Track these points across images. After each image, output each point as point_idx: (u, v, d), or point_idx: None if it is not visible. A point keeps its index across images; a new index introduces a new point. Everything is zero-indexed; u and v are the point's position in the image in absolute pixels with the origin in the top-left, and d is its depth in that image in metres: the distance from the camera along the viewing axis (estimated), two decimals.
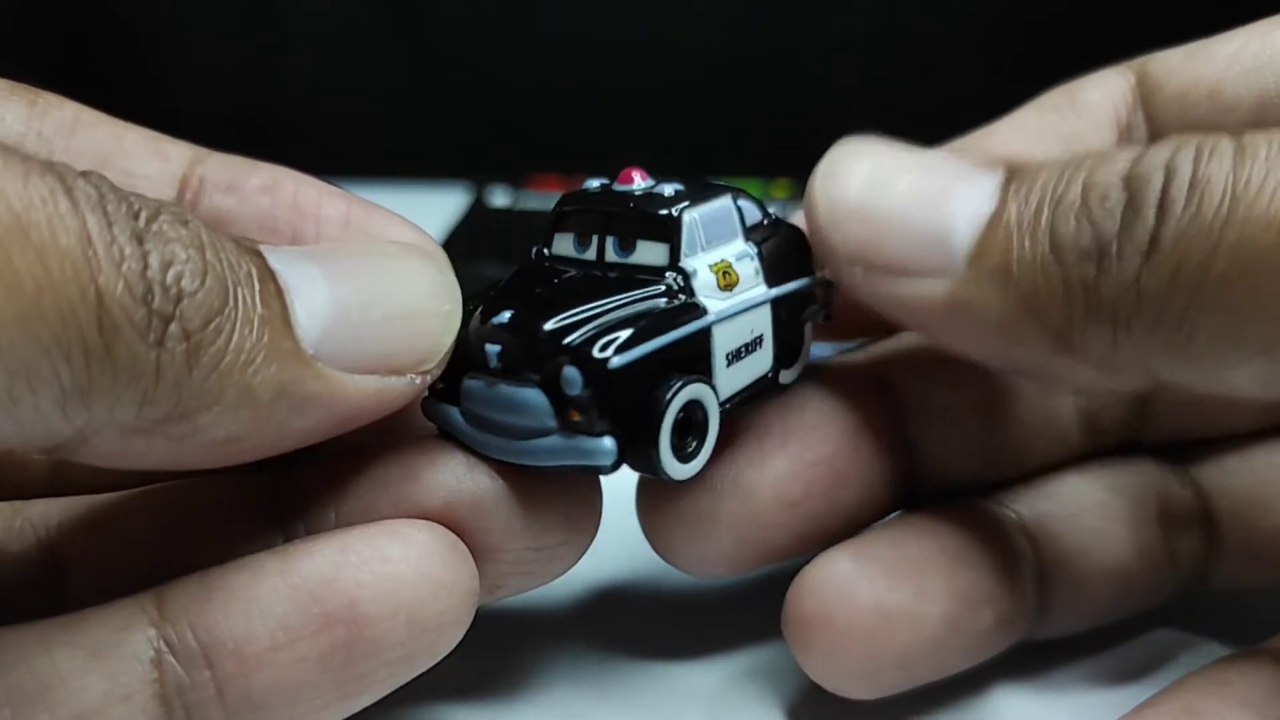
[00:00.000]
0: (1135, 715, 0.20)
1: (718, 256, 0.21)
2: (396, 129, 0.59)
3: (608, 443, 0.19)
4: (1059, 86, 0.26)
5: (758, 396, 0.22)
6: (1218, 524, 0.25)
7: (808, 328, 0.23)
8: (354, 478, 0.20)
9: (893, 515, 0.24)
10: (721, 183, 0.23)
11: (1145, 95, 0.25)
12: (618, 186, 0.22)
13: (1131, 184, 0.18)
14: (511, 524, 0.20)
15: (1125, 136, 0.25)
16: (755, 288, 0.22)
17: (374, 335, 0.19)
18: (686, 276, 0.21)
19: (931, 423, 0.24)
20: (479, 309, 0.20)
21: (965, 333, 0.20)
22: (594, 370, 0.19)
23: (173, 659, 0.18)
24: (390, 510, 0.20)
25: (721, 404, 0.21)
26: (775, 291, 0.22)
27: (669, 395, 0.19)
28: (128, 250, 0.16)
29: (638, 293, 0.20)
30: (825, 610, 0.22)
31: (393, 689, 0.19)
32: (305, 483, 0.21)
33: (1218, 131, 0.18)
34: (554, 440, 0.19)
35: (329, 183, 0.22)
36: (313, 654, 0.18)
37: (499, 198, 0.50)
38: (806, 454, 0.23)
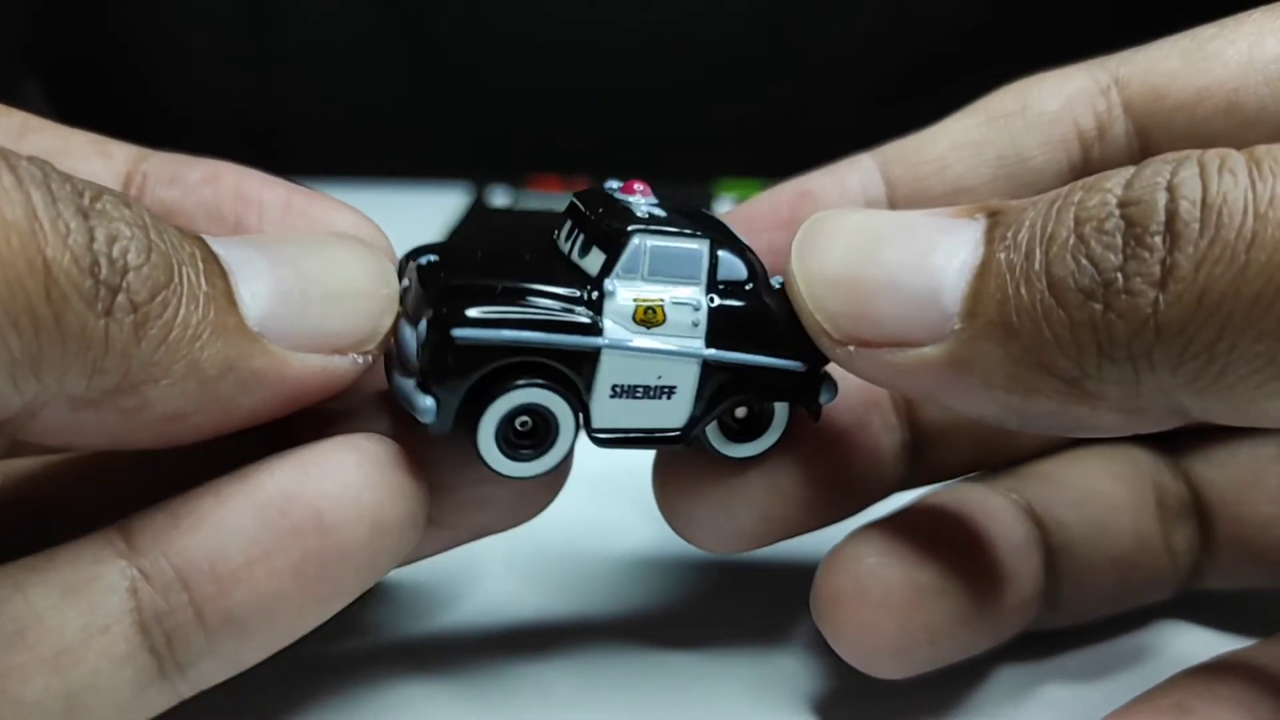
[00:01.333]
0: (1128, 709, 0.20)
1: (654, 293, 0.21)
2: (397, 129, 0.59)
3: (429, 401, 0.20)
4: (1014, 84, 0.24)
5: (662, 447, 0.22)
6: (1210, 515, 0.25)
7: (781, 408, 0.22)
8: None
9: (909, 498, 0.25)
10: (731, 232, 0.22)
11: (1131, 103, 0.23)
12: (619, 194, 0.22)
13: (1129, 211, 0.16)
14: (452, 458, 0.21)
15: (1090, 152, 0.23)
16: (684, 339, 0.21)
17: (316, 315, 0.19)
18: (601, 294, 0.20)
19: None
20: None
21: (970, 394, 0.18)
22: (438, 329, 0.19)
23: (148, 586, 0.18)
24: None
25: (595, 431, 0.21)
26: (712, 353, 0.21)
27: (499, 391, 0.20)
28: (73, 224, 0.16)
29: (559, 290, 0.20)
30: (858, 586, 0.22)
31: (360, 592, 0.20)
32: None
33: (1215, 148, 0.17)
34: (408, 382, 0.20)
35: (331, 183, 0.23)
36: (286, 566, 0.19)
37: (499, 198, 0.50)
38: (825, 429, 0.23)
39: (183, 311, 0.17)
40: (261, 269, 0.19)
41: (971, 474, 0.25)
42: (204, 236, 0.19)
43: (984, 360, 0.18)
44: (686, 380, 0.21)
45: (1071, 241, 0.17)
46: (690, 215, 0.21)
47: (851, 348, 0.19)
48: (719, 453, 0.22)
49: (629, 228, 0.20)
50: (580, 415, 0.21)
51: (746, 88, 0.58)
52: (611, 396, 0.20)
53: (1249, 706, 0.19)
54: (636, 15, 0.58)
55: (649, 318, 0.20)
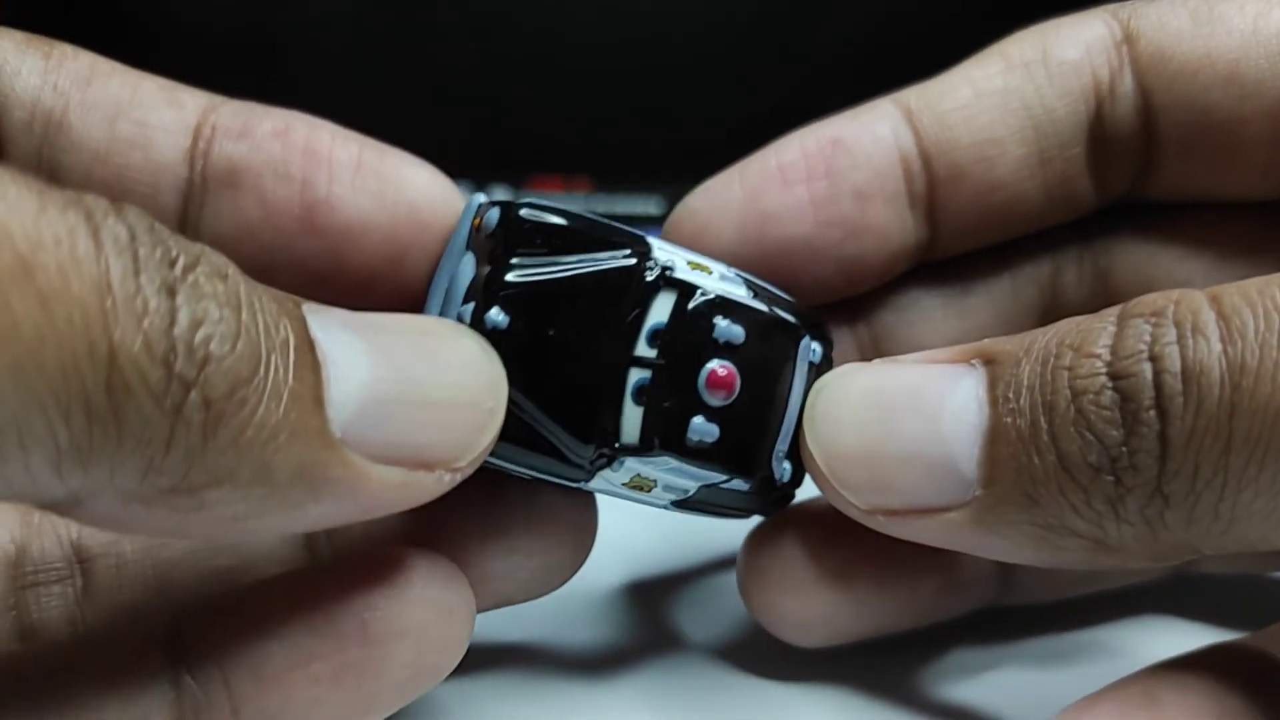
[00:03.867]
0: (1094, 699, 0.20)
1: (650, 473, 0.21)
2: (396, 129, 0.59)
3: None
4: (1030, 30, 0.24)
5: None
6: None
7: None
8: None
9: None
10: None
11: (1138, 59, 0.23)
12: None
13: (1121, 385, 0.17)
14: (505, 541, 0.21)
15: (1107, 105, 0.23)
16: (661, 501, 0.21)
17: (409, 424, 0.17)
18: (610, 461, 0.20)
19: None
20: None
21: (1000, 551, 0.19)
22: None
23: (191, 680, 0.18)
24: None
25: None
26: (679, 510, 0.22)
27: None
28: (153, 303, 0.14)
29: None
30: (763, 565, 0.23)
31: (398, 709, 0.20)
32: None
33: (1190, 292, 0.17)
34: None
35: None
36: (325, 674, 0.19)
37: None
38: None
39: (262, 410, 0.15)
40: (361, 360, 0.17)
41: None
42: (305, 309, 0.17)
43: (1008, 525, 0.18)
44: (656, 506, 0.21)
45: (1072, 414, 0.17)
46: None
47: (880, 517, 0.20)
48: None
49: (652, 448, 0.19)
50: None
51: (747, 88, 0.57)
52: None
53: (1219, 698, 0.19)
54: (637, 15, 0.57)
55: (638, 487, 0.20)
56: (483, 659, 0.24)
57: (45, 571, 0.21)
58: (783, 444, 0.21)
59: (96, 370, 0.13)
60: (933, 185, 0.24)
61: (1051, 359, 0.18)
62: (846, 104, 0.25)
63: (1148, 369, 0.17)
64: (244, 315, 0.15)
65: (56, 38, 0.21)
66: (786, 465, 0.21)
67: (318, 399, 0.16)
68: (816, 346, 0.21)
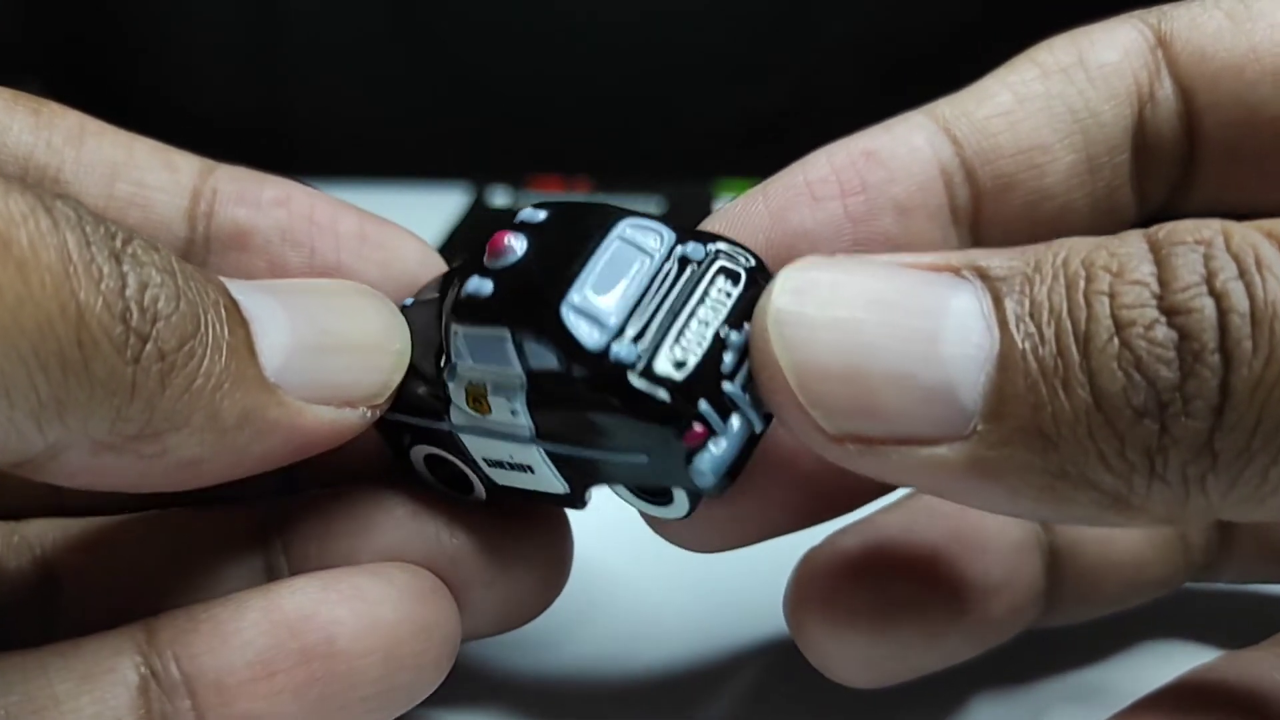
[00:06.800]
0: (1121, 717, 0.20)
1: (479, 380, 0.19)
2: (396, 129, 0.59)
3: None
4: (1061, 36, 0.22)
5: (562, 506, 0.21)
6: None
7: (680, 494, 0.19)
8: (339, 519, 0.21)
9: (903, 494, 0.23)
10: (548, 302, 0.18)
11: (1175, 60, 0.21)
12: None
13: (1180, 321, 0.15)
14: (485, 576, 0.21)
15: (1147, 110, 0.22)
16: (513, 426, 0.19)
17: (330, 367, 0.19)
18: (445, 370, 0.20)
19: None
20: None
21: (992, 500, 0.17)
22: None
23: (157, 688, 0.19)
24: (369, 555, 0.21)
25: (500, 487, 0.21)
26: (543, 445, 0.19)
27: (409, 442, 0.21)
28: (106, 269, 0.16)
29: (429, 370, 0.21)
30: (827, 596, 0.21)
31: None
32: (292, 518, 0.21)
33: (1234, 224, 0.15)
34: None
35: (332, 183, 0.23)
36: (289, 687, 0.19)
37: (499, 198, 0.50)
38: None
39: (207, 361, 0.17)
40: (280, 319, 0.19)
41: None
42: (225, 281, 0.19)
43: (1013, 469, 0.16)
44: (538, 462, 0.20)
45: (1116, 348, 0.15)
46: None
47: (850, 446, 0.17)
48: (651, 515, 0.20)
49: (449, 318, 0.19)
50: (479, 475, 0.21)
51: (747, 87, 0.58)
52: (491, 467, 0.21)
53: (1244, 715, 0.19)
54: (638, 15, 0.57)
55: (478, 406, 0.20)
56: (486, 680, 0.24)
57: (17, 587, 0.21)
58: (577, 293, 0.18)
59: (68, 328, 0.15)
60: (977, 198, 0.22)
61: (1081, 282, 0.16)
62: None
63: (1209, 305, 0.15)
64: (179, 280, 0.17)
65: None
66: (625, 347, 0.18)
67: (251, 350, 0.18)
68: (700, 248, 0.19)
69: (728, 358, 0.18)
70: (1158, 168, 0.22)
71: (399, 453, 0.22)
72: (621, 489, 0.20)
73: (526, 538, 0.22)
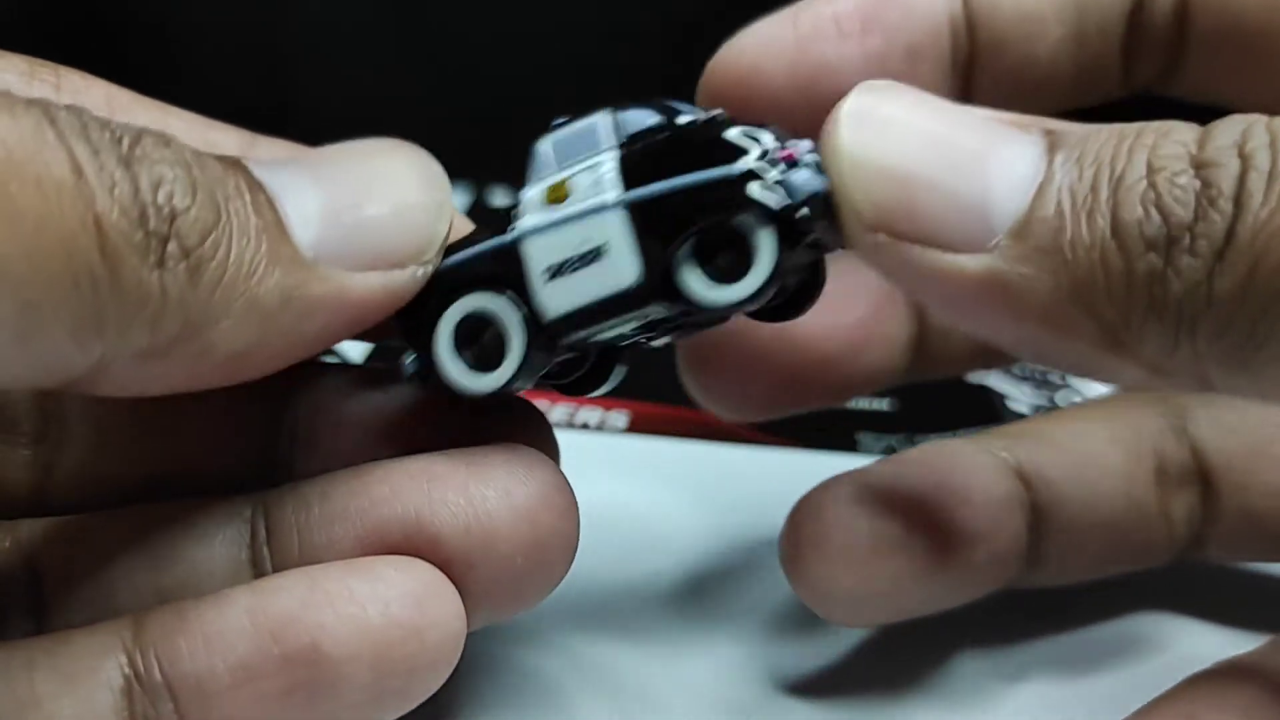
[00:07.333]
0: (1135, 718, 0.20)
1: (562, 176, 0.20)
2: (396, 129, 0.59)
3: (409, 358, 0.21)
4: None
5: (633, 311, 0.20)
6: (1214, 483, 0.25)
7: (763, 236, 0.19)
8: (321, 503, 0.20)
9: (894, 451, 0.25)
10: (657, 101, 0.22)
11: None
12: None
13: (1204, 169, 0.16)
14: (484, 559, 0.20)
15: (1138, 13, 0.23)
16: (595, 196, 0.20)
17: (370, 232, 0.19)
18: (515, 205, 0.20)
19: None
20: None
21: (1001, 319, 0.18)
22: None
23: (141, 692, 0.18)
24: (351, 543, 0.20)
25: (550, 321, 0.20)
26: (623, 196, 0.20)
27: (440, 308, 0.20)
28: (117, 174, 0.16)
29: (490, 228, 0.21)
30: (820, 535, 0.22)
31: None
32: (275, 506, 0.21)
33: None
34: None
35: None
36: (272, 692, 0.18)
37: (499, 198, 0.50)
38: (843, 315, 0.24)
39: (235, 249, 0.17)
40: (308, 191, 0.18)
41: (963, 431, 0.26)
42: (247, 162, 0.18)
43: (1025, 287, 0.17)
44: (614, 233, 0.20)
45: (1142, 186, 0.16)
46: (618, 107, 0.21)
47: (881, 237, 0.18)
48: (710, 304, 0.19)
49: (536, 143, 0.21)
50: (526, 315, 0.20)
51: None
52: (549, 280, 0.20)
53: (1257, 714, 0.19)
54: (638, 15, 0.57)
55: (557, 196, 0.20)
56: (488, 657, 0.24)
57: (2, 582, 0.21)
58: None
59: (90, 242, 0.15)
60: (973, 52, 0.23)
61: (1132, 137, 0.17)
62: None
63: (1235, 163, 0.16)
64: (194, 171, 0.17)
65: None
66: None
67: (281, 229, 0.18)
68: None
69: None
70: (1148, 50, 0.24)
71: (425, 329, 0.20)
72: (698, 280, 0.19)
73: (525, 510, 0.20)
